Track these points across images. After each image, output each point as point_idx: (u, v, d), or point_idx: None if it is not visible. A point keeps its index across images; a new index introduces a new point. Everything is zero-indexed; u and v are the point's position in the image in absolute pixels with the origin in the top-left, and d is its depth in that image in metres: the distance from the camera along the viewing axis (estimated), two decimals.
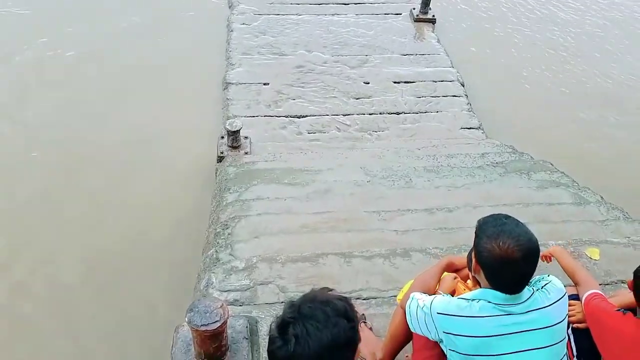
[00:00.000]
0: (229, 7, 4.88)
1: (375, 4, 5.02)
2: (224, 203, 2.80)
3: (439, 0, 5.19)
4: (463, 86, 4.14)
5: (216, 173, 3.27)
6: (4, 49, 4.39)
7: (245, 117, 3.68)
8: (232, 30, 4.52)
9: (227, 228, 2.54)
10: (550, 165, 3.27)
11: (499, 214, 1.42)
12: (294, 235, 2.48)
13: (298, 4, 4.94)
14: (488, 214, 1.43)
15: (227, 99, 3.86)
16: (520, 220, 1.39)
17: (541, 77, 4.68)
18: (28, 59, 4.35)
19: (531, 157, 3.39)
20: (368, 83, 4.11)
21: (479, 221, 1.41)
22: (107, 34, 4.63)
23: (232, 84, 3.99)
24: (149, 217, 3.19)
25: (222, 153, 3.34)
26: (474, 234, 1.41)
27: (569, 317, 1.50)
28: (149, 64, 4.37)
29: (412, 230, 2.53)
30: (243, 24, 4.60)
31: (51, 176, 3.43)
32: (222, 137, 3.42)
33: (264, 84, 4.01)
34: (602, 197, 2.94)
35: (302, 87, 4.03)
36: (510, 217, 1.40)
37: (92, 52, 4.43)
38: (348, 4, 4.98)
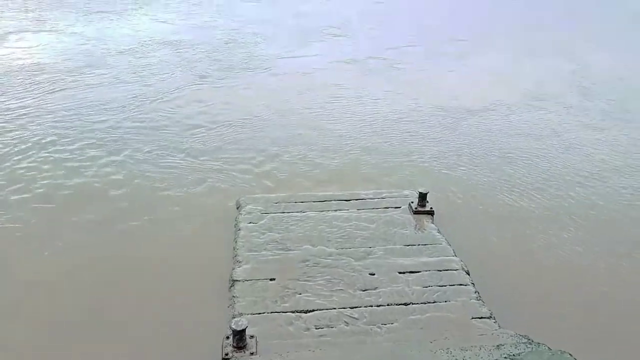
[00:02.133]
0: (237, 208, 5.14)
1: (375, 199, 5.29)
2: None
3: (435, 194, 5.47)
4: (468, 274, 4.17)
5: None
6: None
7: (251, 314, 3.64)
8: (239, 229, 4.70)
9: None
10: (569, 357, 3.14)
11: None
12: None
13: (302, 202, 5.21)
14: None
15: (234, 296, 3.86)
16: None
17: (548, 258, 4.75)
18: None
19: (548, 347, 3.27)
20: (374, 274, 4.15)
21: None
22: (117, 231, 4.86)
23: (239, 281, 4.03)
24: None
25: (227, 355, 3.22)
26: None
27: None
28: (154, 260, 4.51)
29: None
30: (250, 222, 4.81)
31: None
32: (227, 337, 3.33)
33: (271, 280, 4.05)
34: None
35: (308, 280, 4.05)
36: None
37: (98, 245, 4.60)
38: (349, 200, 5.25)
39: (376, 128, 7.62)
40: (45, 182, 5.75)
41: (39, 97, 8.31)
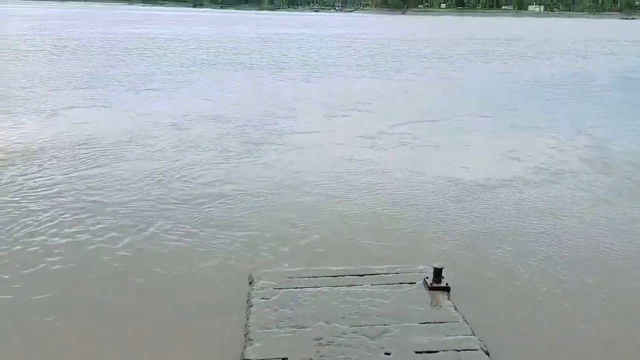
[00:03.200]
0: (249, 283, 5.08)
1: (390, 274, 5.20)
2: None
3: (451, 270, 5.38)
4: (488, 355, 4.01)
5: None
6: None
7: None
8: (251, 305, 4.61)
9: None
10: None
11: None
12: None
13: (315, 277, 5.14)
14: None
15: None
16: None
17: (572, 338, 4.58)
18: None
19: None
20: (389, 354, 4.00)
21: None
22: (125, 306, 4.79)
23: None
24: None
25: None
26: None
27: None
28: (165, 334, 4.42)
29: None
30: (262, 298, 4.72)
31: None
32: None
33: (283, 359, 3.92)
34: None
35: None
36: None
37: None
38: (363, 275, 5.17)
39: (390, 202, 7.64)
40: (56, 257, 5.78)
41: (73, 171, 8.56)
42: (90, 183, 8.01)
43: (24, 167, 8.63)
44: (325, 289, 4.92)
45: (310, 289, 4.91)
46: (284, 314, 4.50)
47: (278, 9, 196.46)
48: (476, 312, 4.81)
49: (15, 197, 7.35)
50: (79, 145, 10.01)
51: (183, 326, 4.63)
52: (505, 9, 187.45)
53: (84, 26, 54.36)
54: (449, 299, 4.84)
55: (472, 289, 5.32)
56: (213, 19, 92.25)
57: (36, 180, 8.09)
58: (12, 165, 8.72)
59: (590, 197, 8.10)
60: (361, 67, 25.28)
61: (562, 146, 11.00)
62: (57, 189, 7.72)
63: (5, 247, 5.92)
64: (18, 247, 5.90)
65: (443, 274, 5.02)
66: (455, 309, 4.68)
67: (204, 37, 43.16)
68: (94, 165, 8.92)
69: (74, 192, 7.61)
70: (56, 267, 5.56)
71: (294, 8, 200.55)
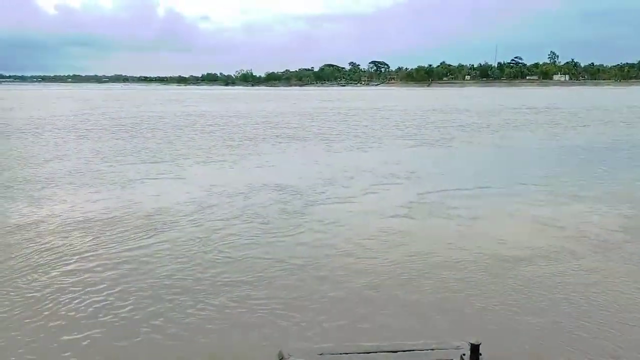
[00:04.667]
0: (280, 359, 4.94)
1: (424, 351, 4.99)
2: None
3: (488, 346, 5.14)
4: None
5: None
6: None
7: None
8: None
9: None
10: None
11: None
12: None
13: (347, 353, 4.93)
14: None
15: None
16: None
17: None
18: None
19: None
20: None
21: None
22: None
23: None
24: None
25: None
26: None
27: None
28: None
29: None
30: None
31: None
32: None
33: None
34: None
35: None
36: None
37: None
38: (396, 352, 4.97)
39: (424, 275, 7.45)
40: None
41: (129, 244, 8.76)
42: (140, 258, 8.13)
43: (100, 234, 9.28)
44: None
45: None
46: None
47: (306, 85, 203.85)
48: None
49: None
50: (138, 218, 10.34)
51: None
52: (531, 79, 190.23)
53: (131, 105, 57.35)
54: None
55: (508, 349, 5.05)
56: (249, 96, 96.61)
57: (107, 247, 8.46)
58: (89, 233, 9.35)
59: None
60: (405, 137, 25.98)
61: (616, 216, 10.60)
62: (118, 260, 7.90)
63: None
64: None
65: (480, 351, 4.80)
66: None
67: (245, 113, 45.31)
68: (146, 236, 9.20)
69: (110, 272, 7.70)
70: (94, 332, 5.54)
71: (322, 84, 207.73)
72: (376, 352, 5.03)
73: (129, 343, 5.56)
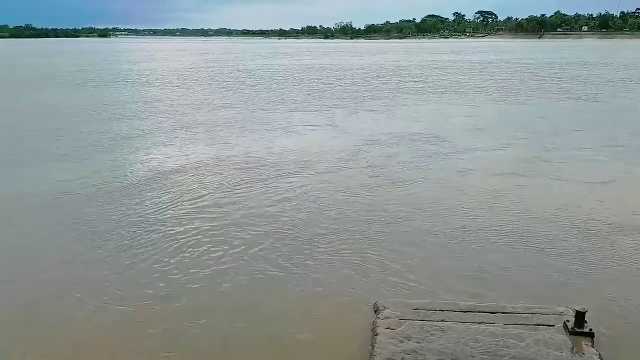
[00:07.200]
0: (375, 311, 5.06)
1: (525, 315, 4.88)
2: None
3: (594, 314, 4.90)
4: None
5: None
6: None
7: None
8: (377, 334, 4.58)
9: None
10: None
11: None
12: None
13: (443, 310, 4.98)
14: None
15: None
16: None
17: None
18: None
19: None
20: None
21: None
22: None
23: None
24: None
25: None
26: None
27: None
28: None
29: None
30: (388, 328, 4.67)
31: None
32: None
33: None
34: None
35: None
36: None
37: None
38: (495, 314, 4.90)
39: (525, 237, 7.18)
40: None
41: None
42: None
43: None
44: (453, 324, 4.74)
45: (437, 323, 4.76)
46: (410, 347, 4.40)
47: (406, 37, 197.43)
48: None
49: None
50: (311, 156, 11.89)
51: (312, 346, 4.70)
52: None
53: (248, 59, 59.77)
54: (592, 346, 4.42)
55: (619, 337, 4.78)
56: (354, 48, 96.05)
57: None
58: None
59: None
60: (552, 92, 25.16)
61: None
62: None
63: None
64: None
65: (586, 319, 4.60)
66: (601, 357, 4.25)
67: (366, 66, 46.31)
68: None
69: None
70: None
71: (423, 36, 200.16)
72: (473, 312, 4.98)
73: (250, 279, 5.92)
